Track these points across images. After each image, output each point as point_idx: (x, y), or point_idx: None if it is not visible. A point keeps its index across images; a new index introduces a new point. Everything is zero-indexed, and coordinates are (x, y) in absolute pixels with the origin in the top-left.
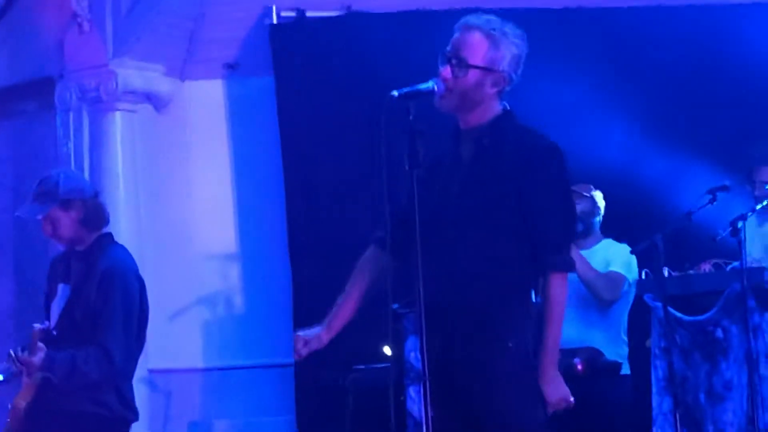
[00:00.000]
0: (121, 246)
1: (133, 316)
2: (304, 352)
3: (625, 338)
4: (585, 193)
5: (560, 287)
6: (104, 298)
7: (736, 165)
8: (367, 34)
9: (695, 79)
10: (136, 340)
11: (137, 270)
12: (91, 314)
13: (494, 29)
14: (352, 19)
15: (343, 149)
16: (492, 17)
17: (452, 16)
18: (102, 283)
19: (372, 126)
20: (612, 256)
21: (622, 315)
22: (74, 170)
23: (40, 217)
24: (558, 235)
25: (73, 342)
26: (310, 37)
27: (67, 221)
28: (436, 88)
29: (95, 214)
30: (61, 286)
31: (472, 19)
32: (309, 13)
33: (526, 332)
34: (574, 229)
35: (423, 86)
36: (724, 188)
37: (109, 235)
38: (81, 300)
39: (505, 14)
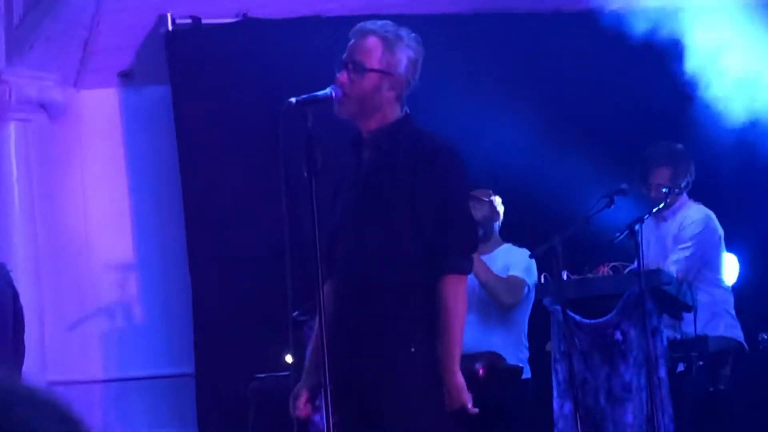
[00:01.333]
0: None
1: (6, 324)
2: (306, 410)
3: (526, 342)
4: (484, 198)
5: (459, 290)
6: None
7: (632, 168)
8: (264, 40)
9: (592, 83)
10: (13, 350)
11: (9, 278)
12: None
13: (389, 33)
14: (248, 25)
15: (241, 157)
16: (387, 22)
17: (350, 22)
18: None
19: (270, 133)
20: (511, 261)
21: (522, 319)
22: None
23: None
24: (455, 238)
25: None
26: (206, 44)
27: None
28: (333, 94)
29: None
30: None
31: (367, 24)
32: (205, 20)
33: (429, 337)
34: (473, 232)
35: (321, 93)
36: (621, 191)
37: None
38: None
39: (403, 21)
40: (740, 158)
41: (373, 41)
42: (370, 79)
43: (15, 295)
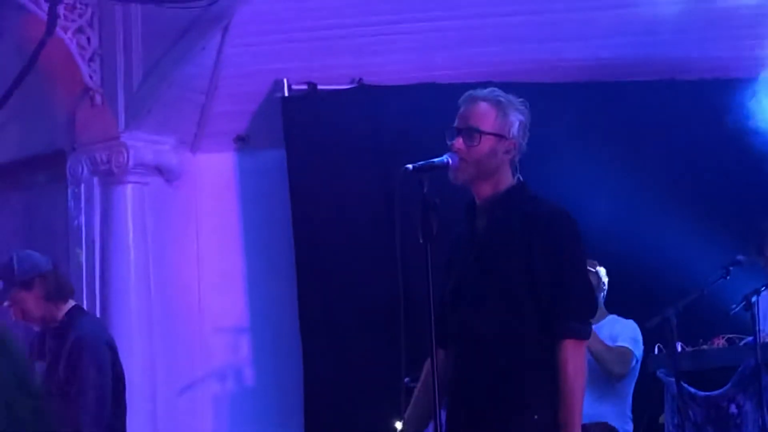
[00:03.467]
0: (91, 316)
1: (106, 386)
2: None
3: (631, 414)
4: (591, 269)
5: (578, 355)
6: (74, 371)
7: (748, 239)
8: (377, 106)
9: (706, 151)
10: (115, 408)
11: (109, 338)
12: (62, 388)
13: (500, 97)
14: (362, 92)
15: (355, 223)
16: (495, 89)
17: (461, 89)
18: (71, 356)
19: (383, 199)
20: (618, 332)
21: (629, 391)
22: (26, 250)
23: (6, 304)
24: (574, 302)
25: None
26: (321, 110)
27: (31, 300)
28: (450, 161)
29: (57, 287)
30: (37, 365)
31: (476, 91)
32: (320, 87)
33: (551, 404)
34: (592, 296)
35: (437, 160)
36: (737, 263)
37: (78, 307)
38: (54, 375)
39: (514, 88)
40: None
41: (485, 106)
42: (486, 143)
43: (115, 357)
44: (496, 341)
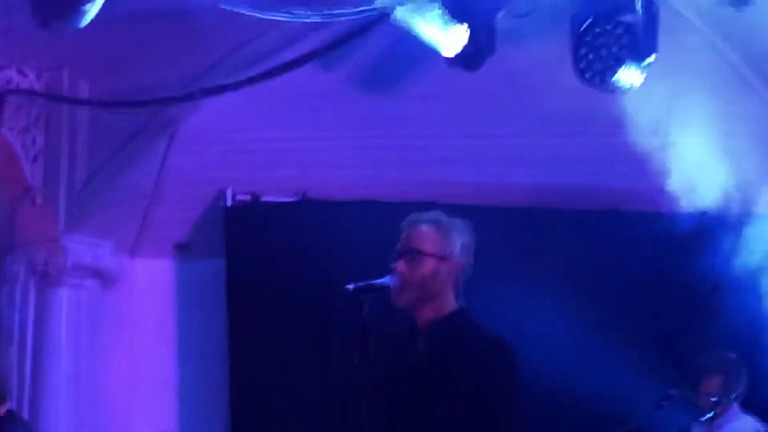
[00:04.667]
0: (25, 422)
1: None
2: None
3: None
4: None
5: None
6: None
7: (683, 373)
8: (321, 221)
9: (646, 283)
10: None
11: None
12: None
13: (441, 219)
14: (306, 205)
15: (292, 339)
16: (437, 212)
17: (406, 208)
18: None
19: (322, 316)
20: None
21: None
22: None
23: None
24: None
25: None
26: (264, 221)
27: None
28: (392, 283)
29: None
30: None
31: (419, 214)
32: (264, 198)
33: None
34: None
35: (378, 281)
36: (669, 397)
37: (10, 412)
38: None
39: (459, 210)
40: None
41: (426, 228)
42: (428, 264)
43: None
44: None
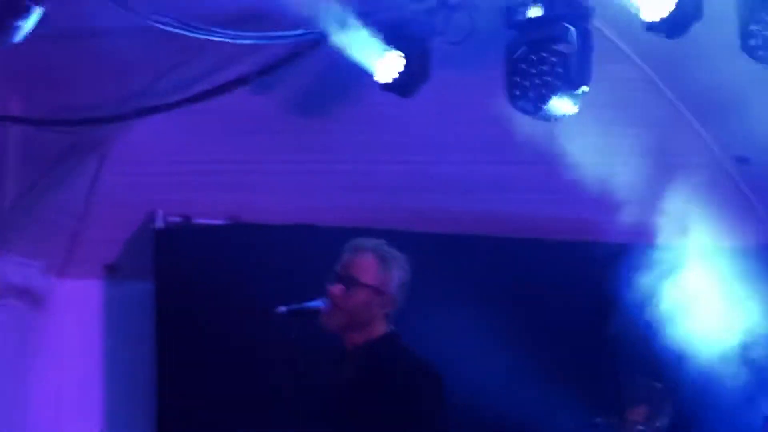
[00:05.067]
0: None
1: None
2: None
3: None
4: None
5: None
6: None
7: (610, 401)
8: (252, 245)
9: (578, 312)
10: None
11: None
12: None
13: (385, 253)
14: (238, 228)
15: (220, 361)
16: (382, 242)
17: (339, 233)
18: None
19: (252, 339)
20: None
21: None
22: None
23: None
24: None
25: None
26: (194, 244)
27: None
28: (323, 306)
29: None
30: None
31: (363, 241)
32: (195, 220)
33: None
34: None
35: (310, 304)
36: (594, 426)
37: None
38: None
39: (392, 236)
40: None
41: (369, 258)
42: (363, 295)
43: None
44: None
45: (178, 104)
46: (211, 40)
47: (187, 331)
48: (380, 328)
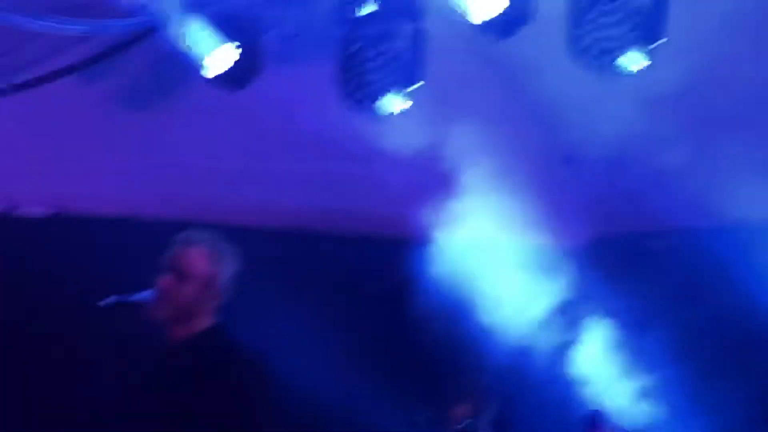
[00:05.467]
0: None
1: None
2: None
3: None
4: None
5: None
6: None
7: (435, 396)
8: (77, 236)
9: (400, 312)
10: None
11: None
12: None
13: (216, 246)
14: (62, 220)
15: (42, 353)
16: (213, 235)
17: (167, 226)
18: None
19: (76, 332)
20: None
21: None
22: None
23: None
24: None
25: None
26: (18, 235)
27: None
28: (151, 297)
29: None
30: None
31: (195, 234)
32: (19, 211)
33: None
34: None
35: (137, 295)
36: (422, 418)
37: None
38: None
39: (220, 230)
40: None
41: (201, 251)
42: (192, 286)
43: None
44: None
45: (2, 92)
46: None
47: (9, 322)
48: (207, 321)
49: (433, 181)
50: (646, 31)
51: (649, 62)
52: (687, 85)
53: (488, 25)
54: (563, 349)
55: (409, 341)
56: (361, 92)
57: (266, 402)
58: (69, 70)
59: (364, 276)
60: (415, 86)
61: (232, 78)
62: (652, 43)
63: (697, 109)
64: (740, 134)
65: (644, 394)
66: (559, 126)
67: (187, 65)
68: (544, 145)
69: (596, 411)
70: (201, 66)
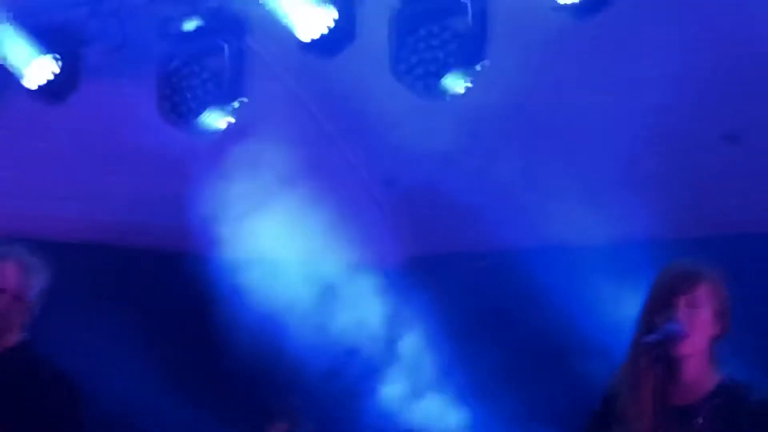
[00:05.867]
0: None
1: None
2: None
3: None
4: None
5: None
6: None
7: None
8: None
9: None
10: None
11: None
12: None
13: (24, 260)
14: None
15: None
16: (22, 249)
17: None
18: None
19: None
20: None
21: None
22: None
23: None
24: None
25: None
26: None
27: None
28: None
29: None
30: None
31: (6, 248)
32: None
33: None
34: None
35: None
36: None
37: None
38: None
39: (36, 245)
40: None
41: (11, 266)
42: (3, 302)
43: None
44: None
45: None
46: None
47: None
48: (17, 335)
49: (250, 200)
50: (468, 54)
51: (471, 85)
52: (512, 108)
53: (313, 44)
54: (379, 367)
55: (223, 357)
56: (181, 108)
57: (75, 419)
58: None
59: (180, 291)
60: (236, 103)
61: (52, 91)
62: (474, 66)
63: (522, 132)
64: (564, 158)
65: (457, 406)
66: (382, 147)
67: (7, 76)
68: (366, 166)
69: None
70: (21, 77)
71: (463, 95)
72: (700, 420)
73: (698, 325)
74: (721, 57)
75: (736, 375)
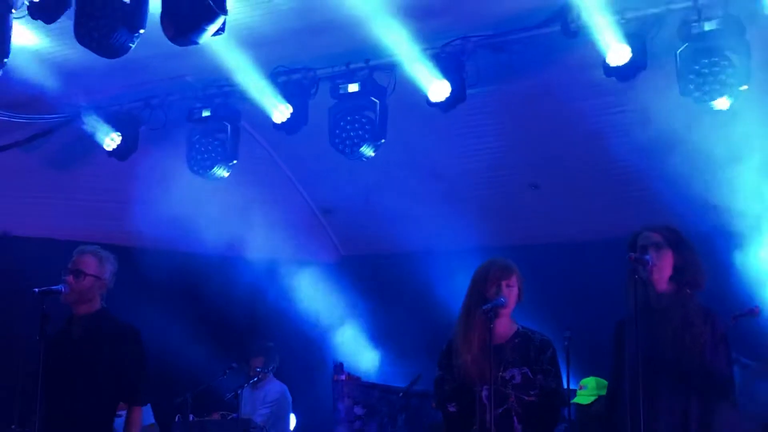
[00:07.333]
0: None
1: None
2: None
3: None
4: None
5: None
6: None
7: (241, 353)
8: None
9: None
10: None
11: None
12: None
13: (100, 253)
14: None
15: None
16: (97, 246)
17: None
18: None
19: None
20: None
21: None
22: None
23: None
24: (135, 383)
25: None
26: None
27: None
28: (63, 289)
29: None
30: None
31: (86, 247)
32: None
33: None
34: (144, 382)
35: (55, 287)
36: (231, 368)
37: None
38: None
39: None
40: None
41: (89, 257)
42: (87, 281)
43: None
44: (82, 411)
45: None
46: None
47: None
48: (98, 304)
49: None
50: (374, 133)
51: (375, 151)
52: (400, 162)
53: (282, 125)
54: (327, 330)
55: (224, 317)
56: (201, 163)
57: (141, 356)
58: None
59: (203, 283)
60: (233, 162)
61: (119, 153)
62: (379, 140)
63: (405, 176)
64: (438, 196)
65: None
66: (323, 187)
67: (94, 143)
68: (312, 200)
69: (340, 362)
70: (102, 144)
71: (372, 157)
72: (508, 351)
73: (512, 298)
74: (527, 136)
75: (526, 325)
